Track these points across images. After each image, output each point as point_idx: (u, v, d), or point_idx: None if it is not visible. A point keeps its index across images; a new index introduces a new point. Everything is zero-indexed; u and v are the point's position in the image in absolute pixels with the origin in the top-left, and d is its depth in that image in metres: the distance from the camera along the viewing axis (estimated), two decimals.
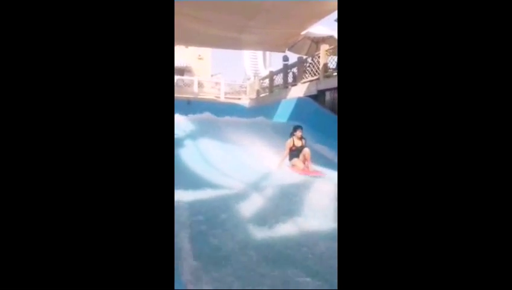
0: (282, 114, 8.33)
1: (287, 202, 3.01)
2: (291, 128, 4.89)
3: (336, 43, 8.74)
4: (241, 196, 3.11)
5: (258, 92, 12.31)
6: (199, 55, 18.54)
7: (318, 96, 7.61)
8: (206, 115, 7.10)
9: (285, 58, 10.66)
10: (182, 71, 16.93)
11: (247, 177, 3.93)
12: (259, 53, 19.49)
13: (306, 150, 4.54)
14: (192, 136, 5.70)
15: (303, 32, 7.97)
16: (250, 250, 1.93)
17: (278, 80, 10.72)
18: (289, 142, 4.71)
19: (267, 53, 19.33)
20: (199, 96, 13.12)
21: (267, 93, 11.24)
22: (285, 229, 2.31)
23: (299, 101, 8.07)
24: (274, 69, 12.19)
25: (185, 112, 6.82)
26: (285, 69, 10.12)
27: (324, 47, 7.97)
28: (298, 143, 4.69)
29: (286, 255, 1.89)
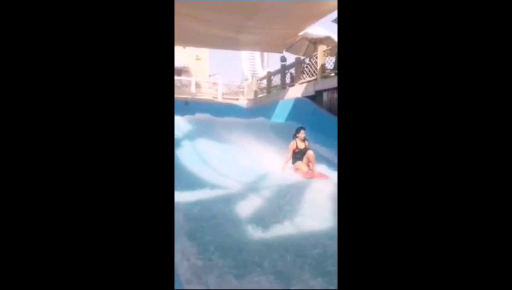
0: (280, 115, 8.34)
1: (285, 202, 3.01)
2: (290, 129, 4.86)
3: (333, 44, 8.77)
4: (239, 196, 3.11)
5: (255, 93, 12.31)
6: (197, 56, 18.51)
7: (316, 97, 7.62)
8: (204, 115, 7.09)
9: (283, 59, 10.67)
10: (180, 72, 16.90)
11: (245, 177, 3.93)
12: (257, 54, 19.49)
13: (310, 153, 4.41)
14: (190, 136, 5.69)
15: (301, 33, 7.99)
16: (248, 250, 1.93)
17: (276, 80, 10.73)
18: (292, 145, 4.55)
19: (265, 54, 19.34)
20: (197, 97, 13.10)
21: (265, 94, 11.25)
22: (283, 229, 2.31)
23: (297, 101, 8.08)
24: (272, 69, 12.20)
25: (183, 113, 6.81)
26: (283, 70, 10.13)
27: (322, 48, 7.99)
28: (301, 145, 4.55)
29: (284, 255, 1.89)
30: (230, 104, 12.70)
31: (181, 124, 6.26)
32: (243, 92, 14.41)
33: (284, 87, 9.70)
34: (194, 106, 9.53)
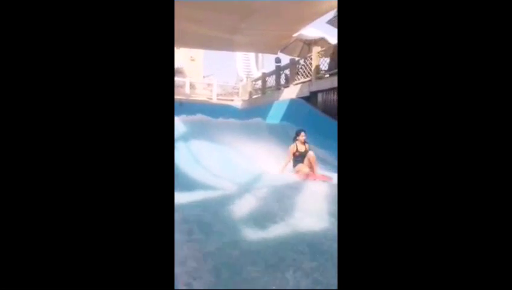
0: (275, 115, 8.34)
1: (281, 202, 3.01)
2: (284, 130, 4.85)
3: (327, 45, 8.82)
4: (234, 198, 3.10)
5: (250, 94, 12.32)
6: (191, 57, 18.46)
7: (310, 98, 7.65)
8: (199, 116, 7.06)
9: (278, 60, 10.69)
10: (174, 72, 16.84)
11: (240, 178, 3.92)
12: (252, 54, 19.50)
13: (311, 154, 4.30)
14: (185, 137, 5.67)
15: (295, 35, 8.02)
16: (243, 251, 1.93)
17: (271, 81, 10.74)
18: (292, 147, 4.46)
19: (260, 55, 19.36)
20: (191, 98, 13.05)
21: (260, 95, 11.26)
22: (279, 229, 2.31)
23: (292, 102, 8.10)
24: (266, 70, 12.22)
25: (177, 114, 6.76)
26: (278, 71, 10.15)
27: (316, 49, 8.03)
28: (302, 148, 4.45)
29: (279, 255, 1.88)
30: (225, 105, 12.67)
31: (175, 125, 6.23)
32: (238, 93, 14.40)
33: (279, 88, 9.72)
34: (188, 107, 9.48)
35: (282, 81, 9.91)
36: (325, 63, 7.88)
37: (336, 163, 4.77)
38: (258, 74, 14.54)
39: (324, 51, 7.96)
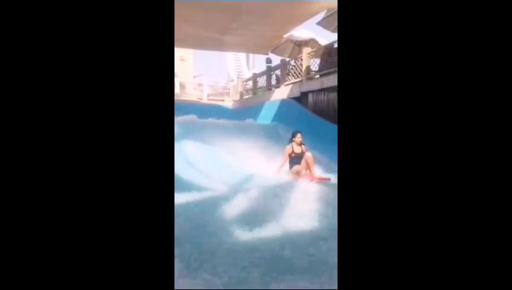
0: (266, 116, 8.35)
1: (272, 203, 3.01)
2: (275, 130, 4.85)
3: (317, 46, 8.88)
4: (225, 198, 3.09)
5: (241, 94, 12.30)
6: (181, 56, 18.30)
7: (301, 98, 7.68)
8: (189, 117, 7.00)
9: (268, 61, 10.70)
10: None
11: (231, 179, 3.91)
12: (243, 55, 19.48)
13: (308, 155, 4.22)
14: (175, 138, 5.61)
15: (286, 35, 8.05)
16: (236, 252, 1.92)
17: (261, 82, 10.75)
18: (288, 149, 4.43)
19: (250, 55, 19.36)
20: (181, 98, 12.95)
21: (251, 95, 11.25)
22: (271, 230, 2.31)
23: (283, 103, 8.12)
24: (257, 71, 12.23)
25: None
26: (269, 71, 10.16)
27: (306, 50, 8.08)
28: (298, 149, 4.42)
29: (272, 256, 1.88)
30: (216, 105, 12.62)
31: None
32: (229, 93, 14.36)
33: (270, 89, 9.74)
34: (178, 107, 9.40)
35: (273, 81, 9.93)
36: (315, 64, 7.92)
37: (327, 162, 4.81)
38: (249, 74, 14.52)
39: (314, 52, 8.01)
